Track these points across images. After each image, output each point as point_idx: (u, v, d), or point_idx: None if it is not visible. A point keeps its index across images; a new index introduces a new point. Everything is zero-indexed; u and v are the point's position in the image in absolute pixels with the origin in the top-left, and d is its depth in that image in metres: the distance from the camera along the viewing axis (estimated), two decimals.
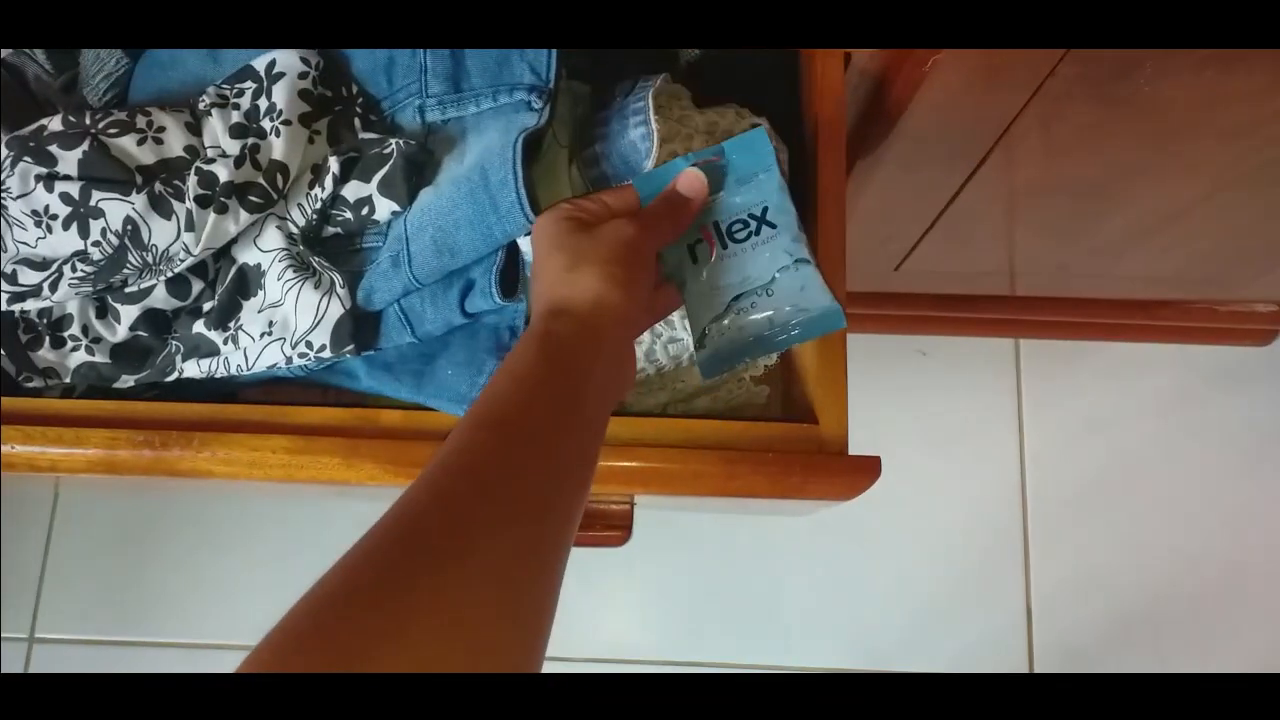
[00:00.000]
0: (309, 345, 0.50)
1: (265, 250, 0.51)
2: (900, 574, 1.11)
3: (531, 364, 0.41)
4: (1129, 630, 1.10)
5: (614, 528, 0.53)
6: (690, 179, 0.48)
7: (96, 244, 0.48)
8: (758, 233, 0.50)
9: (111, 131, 0.49)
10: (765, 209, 0.50)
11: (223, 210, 0.49)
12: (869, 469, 0.49)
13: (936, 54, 0.54)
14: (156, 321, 0.51)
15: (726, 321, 0.49)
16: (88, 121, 0.49)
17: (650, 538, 1.02)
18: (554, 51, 0.51)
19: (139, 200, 0.48)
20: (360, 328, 0.51)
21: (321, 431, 0.46)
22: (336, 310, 0.50)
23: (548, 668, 0.35)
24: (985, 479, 1.14)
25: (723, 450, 0.49)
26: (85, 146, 0.48)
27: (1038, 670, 1.09)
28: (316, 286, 0.50)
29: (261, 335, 0.51)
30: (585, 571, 1.08)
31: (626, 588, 1.12)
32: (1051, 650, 1.10)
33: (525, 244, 0.49)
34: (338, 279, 0.51)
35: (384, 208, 0.51)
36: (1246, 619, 1.10)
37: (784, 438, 0.50)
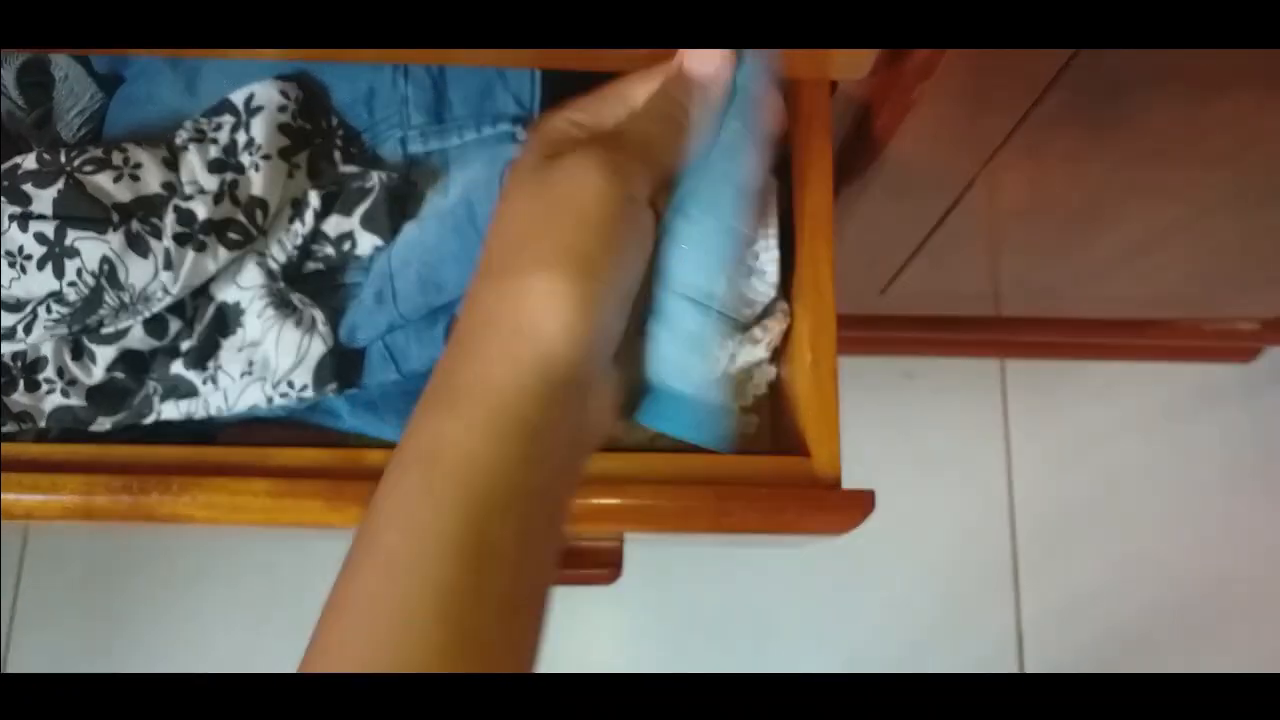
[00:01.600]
0: (290, 385, 0.49)
1: (245, 288, 0.50)
2: (891, 599, 1.11)
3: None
4: (1119, 649, 1.10)
5: (603, 565, 0.52)
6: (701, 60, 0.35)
7: (72, 284, 0.47)
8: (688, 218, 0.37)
9: (87, 169, 0.47)
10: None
11: (201, 248, 0.48)
12: (863, 503, 0.48)
13: (924, 81, 0.54)
14: (134, 362, 0.50)
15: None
16: (63, 159, 0.48)
17: (639, 569, 1.01)
18: (538, 81, 0.51)
19: (116, 239, 0.47)
20: (343, 366, 0.50)
21: (304, 473, 0.45)
22: (319, 348, 0.49)
23: None
24: (973, 500, 1.14)
25: (714, 485, 0.48)
26: (60, 185, 0.47)
27: None
28: (298, 324, 0.49)
29: (242, 375, 0.50)
30: (573, 606, 1.07)
31: (615, 621, 1.10)
32: (1043, 670, 1.10)
33: None
34: (319, 316, 0.50)
35: (366, 242, 0.50)
36: (1236, 635, 1.10)
37: (776, 471, 0.49)
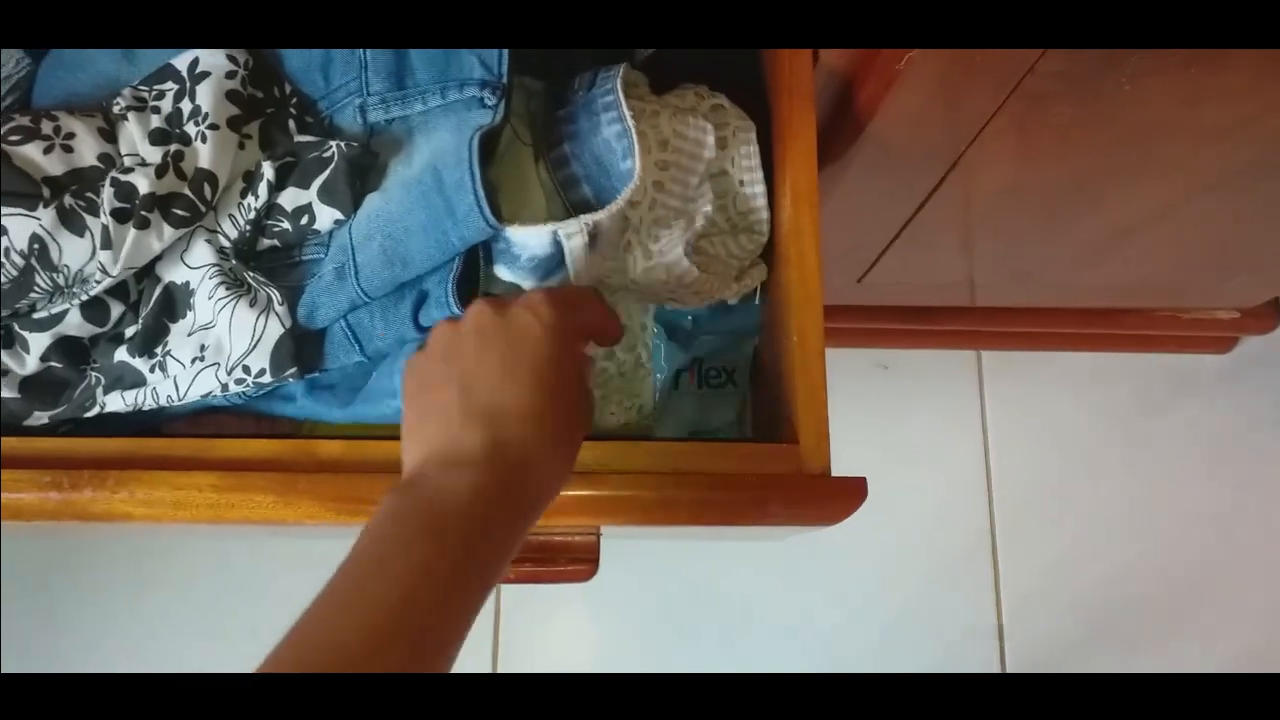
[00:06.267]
0: (246, 370, 0.46)
1: (194, 267, 0.47)
2: (869, 588, 1.09)
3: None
4: (1098, 636, 1.09)
5: (580, 561, 0.49)
6: None
7: None
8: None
9: (13, 139, 0.44)
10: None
11: (144, 225, 0.44)
12: (855, 492, 0.45)
13: (909, 52, 0.51)
14: (71, 350, 0.46)
15: None
16: None
17: (613, 557, 0.98)
18: None
19: (46, 215, 0.43)
20: (303, 348, 0.46)
21: (254, 466, 0.42)
22: (275, 330, 0.46)
23: None
24: (951, 492, 1.12)
25: (696, 475, 0.45)
26: None
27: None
28: (252, 304, 0.46)
29: (193, 361, 0.46)
30: (546, 598, 1.04)
31: (589, 611, 1.07)
32: (1022, 658, 1.08)
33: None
34: (275, 295, 0.46)
35: (326, 216, 0.47)
36: (1211, 622, 1.10)
37: (762, 459, 0.46)
